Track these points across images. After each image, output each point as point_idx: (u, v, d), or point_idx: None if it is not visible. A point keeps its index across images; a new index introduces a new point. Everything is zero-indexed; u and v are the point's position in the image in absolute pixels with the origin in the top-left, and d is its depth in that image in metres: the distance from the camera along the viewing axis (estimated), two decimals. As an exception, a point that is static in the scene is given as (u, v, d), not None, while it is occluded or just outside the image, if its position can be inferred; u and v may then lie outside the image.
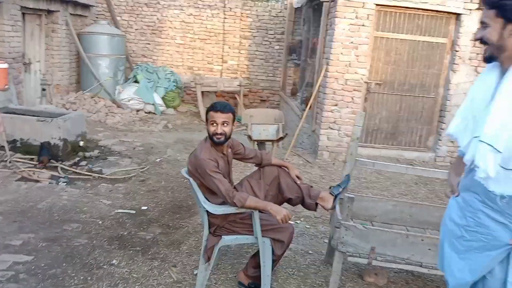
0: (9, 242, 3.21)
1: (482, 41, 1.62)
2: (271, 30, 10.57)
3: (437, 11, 6.17)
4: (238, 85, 9.83)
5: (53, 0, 8.00)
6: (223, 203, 2.68)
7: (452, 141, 6.40)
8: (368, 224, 3.15)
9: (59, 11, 8.28)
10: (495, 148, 1.53)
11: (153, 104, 9.16)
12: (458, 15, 6.18)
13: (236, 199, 2.57)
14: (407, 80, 6.54)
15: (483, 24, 1.61)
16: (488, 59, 1.65)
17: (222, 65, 10.70)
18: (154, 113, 9.12)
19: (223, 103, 2.82)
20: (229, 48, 10.62)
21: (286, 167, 3.00)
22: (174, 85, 9.81)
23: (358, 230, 2.63)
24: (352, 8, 6.05)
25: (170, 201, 4.38)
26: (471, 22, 6.11)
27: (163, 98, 9.50)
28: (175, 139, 7.14)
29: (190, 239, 3.54)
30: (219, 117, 2.69)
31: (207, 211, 2.68)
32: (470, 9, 6.09)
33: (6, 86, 6.33)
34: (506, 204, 1.60)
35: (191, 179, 2.74)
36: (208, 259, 2.72)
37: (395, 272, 3.15)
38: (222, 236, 2.72)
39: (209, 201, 2.71)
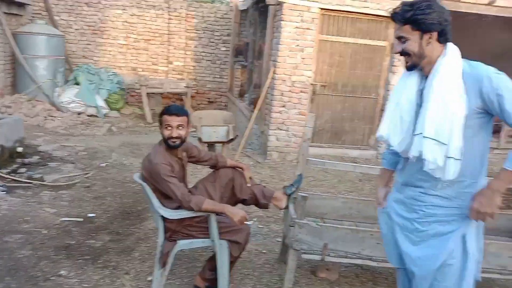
0: None
1: (403, 53, 1.80)
2: (217, 31, 10.56)
3: (377, 15, 6.47)
4: (185, 86, 9.73)
5: (-17, -3, 7.50)
6: (179, 207, 2.65)
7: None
8: (319, 221, 3.25)
9: (-10, 9, 7.77)
10: (440, 142, 1.69)
11: (95, 107, 8.82)
12: (395, 20, 6.51)
13: (193, 203, 2.55)
14: (350, 82, 6.80)
15: (402, 39, 1.78)
16: (411, 68, 1.83)
17: (167, 66, 10.53)
18: (96, 116, 8.79)
19: (178, 106, 2.79)
20: (175, 49, 10.48)
21: (241, 168, 3.02)
22: (118, 87, 9.52)
23: (311, 227, 2.72)
24: (297, 12, 6.20)
25: (118, 207, 4.25)
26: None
27: (106, 101, 9.18)
28: (120, 142, 6.94)
29: (142, 245, 3.46)
30: (174, 120, 2.66)
31: (162, 216, 2.65)
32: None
33: None
34: (447, 187, 1.79)
35: (144, 184, 2.69)
36: (164, 264, 2.68)
37: (346, 267, 3.28)
38: (178, 240, 2.69)
39: (164, 206, 2.67)
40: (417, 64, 1.80)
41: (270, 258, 3.39)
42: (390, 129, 1.89)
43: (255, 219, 4.12)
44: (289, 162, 6.37)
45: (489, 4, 6.62)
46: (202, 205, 2.56)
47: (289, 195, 2.97)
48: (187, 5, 10.42)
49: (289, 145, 6.48)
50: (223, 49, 10.61)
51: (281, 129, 6.45)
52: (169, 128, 2.66)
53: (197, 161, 3.02)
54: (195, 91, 10.51)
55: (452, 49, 1.77)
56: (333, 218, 3.32)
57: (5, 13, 8.33)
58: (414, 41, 1.75)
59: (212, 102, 10.78)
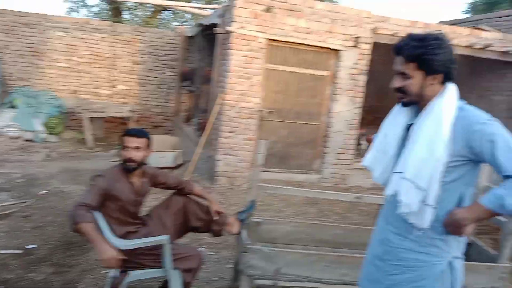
0: None
1: (400, 90, 1.68)
2: (163, 56, 10.54)
3: (320, 47, 6.80)
4: (129, 110, 9.55)
5: None
6: (127, 233, 2.61)
7: (335, 164, 7.05)
8: (270, 246, 3.30)
9: None
10: (418, 186, 1.61)
11: (33, 131, 8.40)
12: (337, 51, 6.89)
13: (76, 215, 2.35)
14: (295, 109, 7.04)
15: (404, 75, 1.65)
16: (407, 104, 1.72)
17: (110, 90, 10.31)
18: (33, 140, 8.35)
19: (138, 128, 2.81)
20: (119, 72, 10.30)
21: (209, 200, 3.05)
22: (58, 110, 9.15)
23: (264, 253, 2.76)
24: (245, 41, 6.37)
25: (60, 237, 4.04)
26: (348, 57, 6.88)
27: (44, 125, 8.78)
28: (60, 169, 6.63)
29: (87, 277, 3.31)
30: (132, 141, 2.64)
31: (111, 245, 2.57)
32: (347, 46, 6.85)
33: None
34: (422, 235, 1.70)
35: (98, 214, 2.60)
36: (114, 296, 2.60)
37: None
38: (129, 271, 2.62)
39: (112, 230, 2.60)
40: (414, 102, 1.70)
41: (221, 285, 3.37)
42: (375, 160, 1.85)
43: (205, 246, 4.08)
44: (237, 187, 6.41)
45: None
46: (81, 224, 2.33)
47: (241, 221, 3.01)
48: (132, 29, 10.35)
49: (237, 170, 6.53)
50: (170, 73, 10.59)
51: (229, 155, 6.50)
52: (126, 149, 2.63)
53: (165, 187, 2.99)
54: (140, 115, 10.33)
55: (450, 90, 1.67)
56: (284, 242, 3.38)
57: None
58: (416, 81, 1.63)
59: (157, 126, 10.63)
